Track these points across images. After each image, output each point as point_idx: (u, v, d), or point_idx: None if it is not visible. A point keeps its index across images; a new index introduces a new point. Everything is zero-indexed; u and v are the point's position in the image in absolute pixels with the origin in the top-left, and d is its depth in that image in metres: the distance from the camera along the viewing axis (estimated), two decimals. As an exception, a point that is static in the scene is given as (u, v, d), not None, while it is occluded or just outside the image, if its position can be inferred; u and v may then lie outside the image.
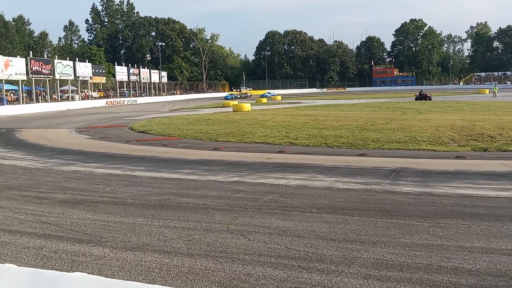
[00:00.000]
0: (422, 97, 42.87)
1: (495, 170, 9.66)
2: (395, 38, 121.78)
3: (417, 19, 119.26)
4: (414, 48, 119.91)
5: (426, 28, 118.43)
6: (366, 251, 4.95)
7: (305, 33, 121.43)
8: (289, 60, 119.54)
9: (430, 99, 41.97)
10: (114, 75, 70.01)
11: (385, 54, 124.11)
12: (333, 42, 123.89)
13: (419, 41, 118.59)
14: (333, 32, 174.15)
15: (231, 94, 71.41)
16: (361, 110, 31.13)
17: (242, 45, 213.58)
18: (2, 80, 43.18)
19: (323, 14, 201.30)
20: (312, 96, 70.31)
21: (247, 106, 34.44)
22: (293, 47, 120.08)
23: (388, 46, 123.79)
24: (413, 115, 24.65)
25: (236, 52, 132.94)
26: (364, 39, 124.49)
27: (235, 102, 41.42)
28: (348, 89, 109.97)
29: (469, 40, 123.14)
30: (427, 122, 19.34)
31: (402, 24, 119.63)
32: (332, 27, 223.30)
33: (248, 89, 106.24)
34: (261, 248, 5.14)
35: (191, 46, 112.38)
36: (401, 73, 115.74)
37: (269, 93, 75.96)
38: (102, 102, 57.35)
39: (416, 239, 5.34)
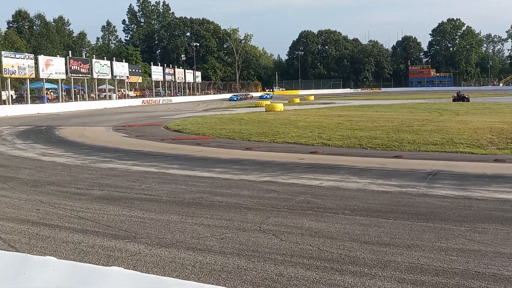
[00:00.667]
0: (459, 98, 41.77)
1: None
2: (432, 38, 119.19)
3: (455, 18, 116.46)
4: (451, 48, 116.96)
5: (464, 28, 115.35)
6: (401, 255, 4.87)
7: (339, 32, 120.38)
8: (322, 60, 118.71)
9: (468, 101, 40.84)
10: (150, 75, 71.29)
11: (421, 54, 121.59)
12: (368, 41, 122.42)
13: (456, 41, 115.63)
14: (368, 32, 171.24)
15: (235, 95, 71.32)
16: (396, 111, 30.58)
17: (275, 45, 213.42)
18: (43, 79, 44.68)
19: (358, 14, 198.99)
20: (346, 97, 69.61)
21: (279, 106, 34.40)
22: (326, 47, 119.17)
23: (424, 46, 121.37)
24: (450, 116, 24.04)
25: (269, 52, 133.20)
26: (400, 39, 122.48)
27: (268, 102, 41.44)
28: (383, 89, 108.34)
29: (509, 40, 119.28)
30: (465, 124, 18.82)
31: (439, 23, 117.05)
32: (367, 27, 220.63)
33: (281, 89, 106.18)
34: (293, 248, 5.14)
35: (225, 46, 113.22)
36: (438, 74, 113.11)
37: (268, 94, 76.20)
38: (138, 101, 58.49)
39: (452, 243, 5.22)
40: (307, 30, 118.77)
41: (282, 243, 5.34)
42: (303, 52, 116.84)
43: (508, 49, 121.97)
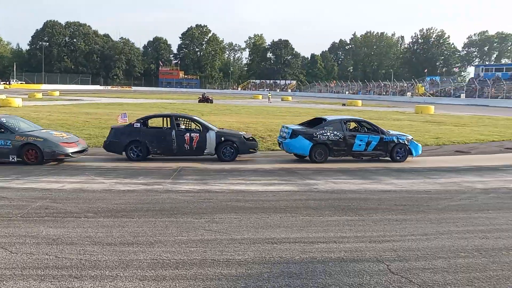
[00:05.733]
0: (204, 99, 45.01)
1: (264, 167, 10.76)
2: (181, 41, 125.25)
3: (202, 25, 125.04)
4: (199, 53, 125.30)
5: (210, 35, 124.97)
6: (143, 252, 4.87)
7: (89, 26, 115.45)
8: (70, 53, 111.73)
9: (212, 102, 44.35)
10: None
11: (171, 56, 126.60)
12: (119, 38, 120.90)
13: (203, 46, 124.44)
14: (119, 29, 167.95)
15: None
16: (147, 110, 30.93)
17: (15, 32, 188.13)
18: None
19: (107, 8, 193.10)
20: (95, 94, 66.95)
21: (16, 101, 30.67)
22: (75, 40, 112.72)
23: (174, 49, 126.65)
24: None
25: (6, 40, 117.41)
26: (152, 39, 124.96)
27: (3, 96, 36.45)
28: (134, 88, 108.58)
29: (247, 49, 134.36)
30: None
31: (188, 28, 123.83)
32: (119, 23, 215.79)
33: (20, 82, 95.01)
34: (26, 260, 4.58)
35: None
36: (186, 76, 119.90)
37: None
38: None
39: (192, 235, 5.51)
40: (54, 20, 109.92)
41: (12, 256, 4.70)
42: (48, 43, 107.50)
43: (246, 58, 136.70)
